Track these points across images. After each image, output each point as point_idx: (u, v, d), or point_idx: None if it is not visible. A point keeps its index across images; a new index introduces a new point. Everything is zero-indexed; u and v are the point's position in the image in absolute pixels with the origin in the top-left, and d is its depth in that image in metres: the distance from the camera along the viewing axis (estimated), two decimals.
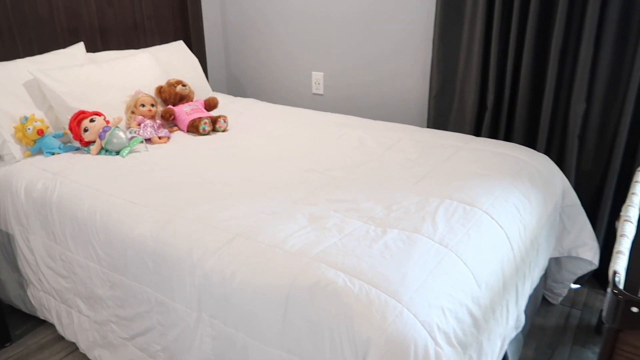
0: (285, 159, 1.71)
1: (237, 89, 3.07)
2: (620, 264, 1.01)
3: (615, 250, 1.08)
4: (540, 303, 1.89)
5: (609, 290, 0.92)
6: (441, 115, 2.25)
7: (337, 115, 2.22)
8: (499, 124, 2.13)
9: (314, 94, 2.75)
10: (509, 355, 1.49)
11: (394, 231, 1.19)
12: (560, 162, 2.03)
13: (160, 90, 2.16)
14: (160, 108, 2.12)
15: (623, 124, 1.84)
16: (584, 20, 1.82)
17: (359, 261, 1.07)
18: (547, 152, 2.04)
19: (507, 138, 2.14)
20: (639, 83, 1.78)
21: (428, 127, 2.29)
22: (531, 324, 1.83)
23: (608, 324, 0.93)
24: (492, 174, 1.54)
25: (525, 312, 1.50)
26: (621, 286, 0.97)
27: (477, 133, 2.18)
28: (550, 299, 1.93)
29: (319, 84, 2.71)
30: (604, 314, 0.93)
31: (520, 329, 1.41)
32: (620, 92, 1.86)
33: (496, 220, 1.31)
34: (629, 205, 1.31)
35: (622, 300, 0.90)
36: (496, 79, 2.06)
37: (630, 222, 1.22)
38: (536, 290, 1.73)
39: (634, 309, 0.89)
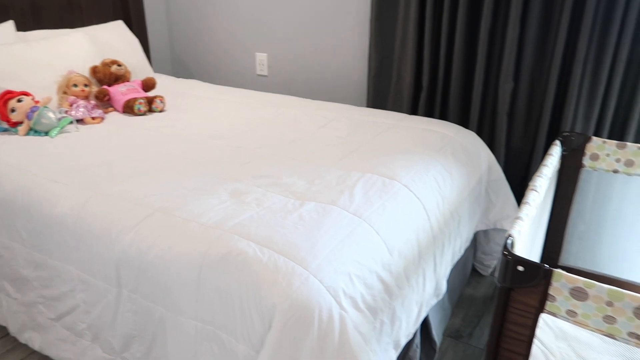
0: (219, 137, 1.72)
1: (183, 71, 3.03)
2: (516, 228, 1.07)
3: (515, 216, 1.14)
4: (470, 274, 1.97)
5: (501, 252, 0.98)
6: (380, 95, 2.30)
7: (276, 95, 2.23)
8: (435, 103, 2.19)
9: (258, 75, 2.74)
10: (432, 324, 1.56)
11: (311, 204, 1.22)
12: (491, 139, 2.11)
13: (94, 70, 2.12)
14: (95, 88, 2.08)
15: (547, 102, 1.93)
16: (511, 1, 1.88)
17: (271, 232, 1.09)
18: (479, 130, 2.12)
19: (443, 117, 2.20)
20: (561, 61, 1.86)
21: (368, 107, 2.33)
22: (460, 294, 1.91)
23: (500, 283, 0.98)
24: (417, 149, 1.59)
25: (448, 281, 1.57)
26: (515, 249, 1.03)
27: (414, 112, 2.23)
28: (480, 271, 2.02)
29: (263, 65, 2.70)
30: (496, 274, 0.99)
31: (440, 296, 1.48)
32: (545, 71, 1.94)
33: (414, 193, 1.36)
34: (537, 176, 1.37)
35: (511, 261, 0.96)
36: (430, 59, 2.11)
37: (536, 191, 1.29)
38: (464, 261, 1.80)
39: (520, 268, 0.95)
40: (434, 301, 1.46)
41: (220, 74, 2.89)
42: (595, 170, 1.67)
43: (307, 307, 0.96)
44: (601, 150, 1.64)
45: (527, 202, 1.21)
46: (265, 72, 2.71)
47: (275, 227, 1.11)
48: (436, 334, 1.60)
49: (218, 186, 1.33)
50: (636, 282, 1.73)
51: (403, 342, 1.27)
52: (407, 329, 1.27)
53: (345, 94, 2.49)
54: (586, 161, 1.67)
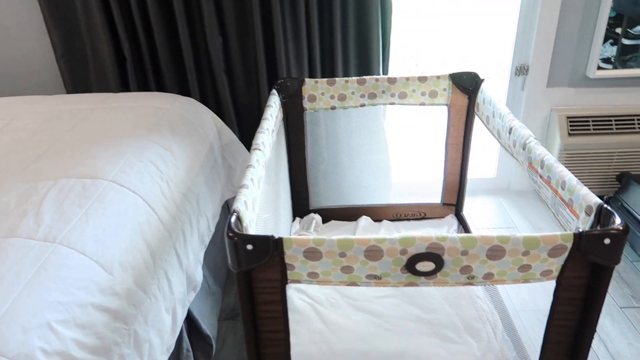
0: None
1: None
2: (241, 200, 0.95)
3: (239, 184, 1.02)
4: None
5: (225, 233, 0.84)
6: (78, 75, 1.92)
7: None
8: (147, 74, 1.93)
9: None
10: (200, 318, 1.40)
11: None
12: (217, 101, 1.98)
13: None
14: None
15: (259, 52, 1.86)
16: None
17: None
18: (202, 94, 1.96)
19: (160, 88, 1.97)
20: (260, 8, 1.79)
21: (68, 92, 1.93)
22: (228, 270, 1.80)
23: (235, 269, 0.86)
24: (125, 133, 1.34)
25: (205, 266, 1.42)
26: (243, 223, 0.91)
27: (125, 89, 1.93)
28: None
29: None
30: (229, 261, 0.86)
31: (198, 288, 1.32)
32: (249, 20, 1.86)
33: (127, 187, 1.12)
34: (259, 132, 1.28)
35: (239, 241, 0.83)
36: (125, 25, 1.82)
37: (259, 149, 1.20)
38: (221, 236, 1.68)
39: (249, 247, 0.83)
40: (192, 296, 1.29)
41: None
42: (316, 111, 1.69)
43: None
44: (316, 91, 1.65)
45: (251, 165, 1.10)
46: None
47: None
48: (209, 325, 1.45)
49: None
50: (374, 204, 1.86)
51: (163, 359, 1.08)
52: (162, 344, 1.08)
53: (32, 82, 2.02)
54: (306, 104, 1.67)
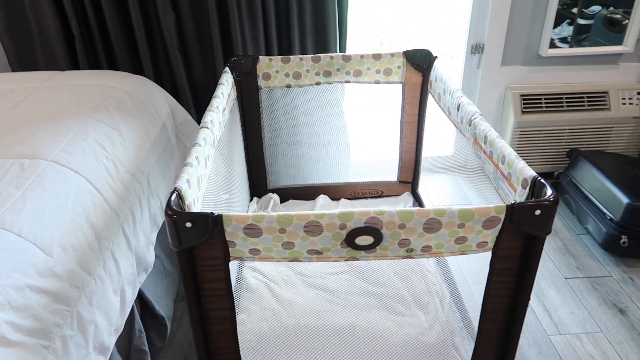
0: None
1: None
2: (183, 178, 0.94)
3: (184, 163, 1.01)
4: None
5: (164, 211, 0.83)
6: (23, 52, 1.84)
7: None
8: (97, 51, 1.87)
9: None
10: (154, 299, 1.39)
11: None
12: (172, 80, 1.94)
13: None
14: None
15: (214, 29, 1.82)
16: None
17: None
18: (156, 73, 1.91)
19: (112, 65, 1.91)
20: None
21: (14, 70, 1.86)
22: None
23: (176, 247, 0.85)
24: (69, 112, 1.30)
25: (158, 245, 1.40)
26: (185, 201, 0.90)
27: (75, 66, 1.87)
28: None
29: None
30: (169, 239, 0.85)
31: (149, 269, 1.30)
32: None
33: (69, 167, 1.09)
34: (208, 111, 1.27)
35: (178, 219, 0.82)
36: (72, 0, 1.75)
37: (206, 127, 1.19)
38: None
39: (188, 224, 0.82)
40: (142, 277, 1.28)
41: None
42: (271, 89, 1.67)
43: None
44: (270, 69, 1.64)
45: (197, 143, 1.08)
46: None
47: None
48: (164, 307, 1.44)
49: None
50: (332, 183, 1.87)
51: (110, 341, 1.07)
52: (110, 325, 1.07)
53: None
54: (260, 82, 1.65)
